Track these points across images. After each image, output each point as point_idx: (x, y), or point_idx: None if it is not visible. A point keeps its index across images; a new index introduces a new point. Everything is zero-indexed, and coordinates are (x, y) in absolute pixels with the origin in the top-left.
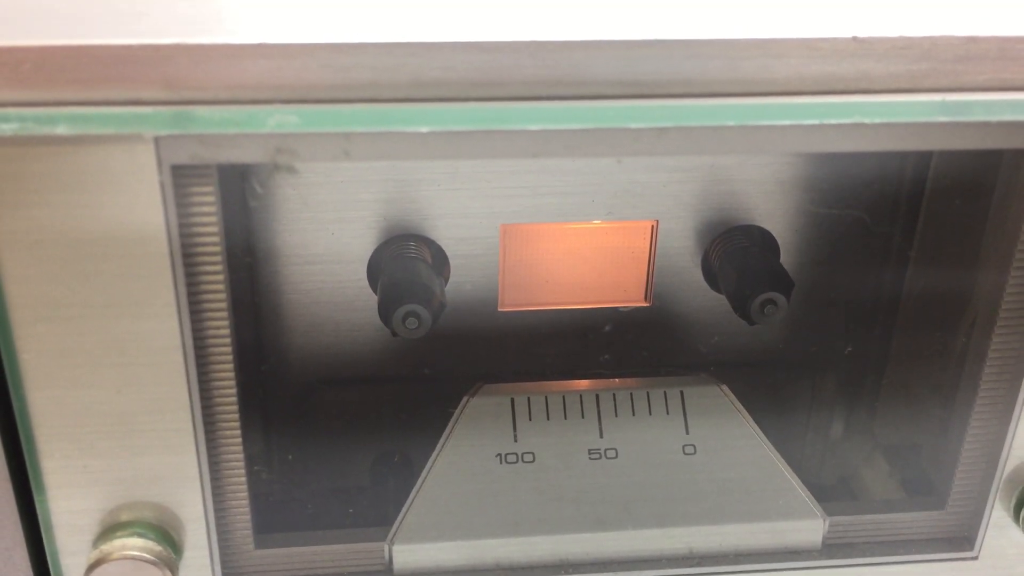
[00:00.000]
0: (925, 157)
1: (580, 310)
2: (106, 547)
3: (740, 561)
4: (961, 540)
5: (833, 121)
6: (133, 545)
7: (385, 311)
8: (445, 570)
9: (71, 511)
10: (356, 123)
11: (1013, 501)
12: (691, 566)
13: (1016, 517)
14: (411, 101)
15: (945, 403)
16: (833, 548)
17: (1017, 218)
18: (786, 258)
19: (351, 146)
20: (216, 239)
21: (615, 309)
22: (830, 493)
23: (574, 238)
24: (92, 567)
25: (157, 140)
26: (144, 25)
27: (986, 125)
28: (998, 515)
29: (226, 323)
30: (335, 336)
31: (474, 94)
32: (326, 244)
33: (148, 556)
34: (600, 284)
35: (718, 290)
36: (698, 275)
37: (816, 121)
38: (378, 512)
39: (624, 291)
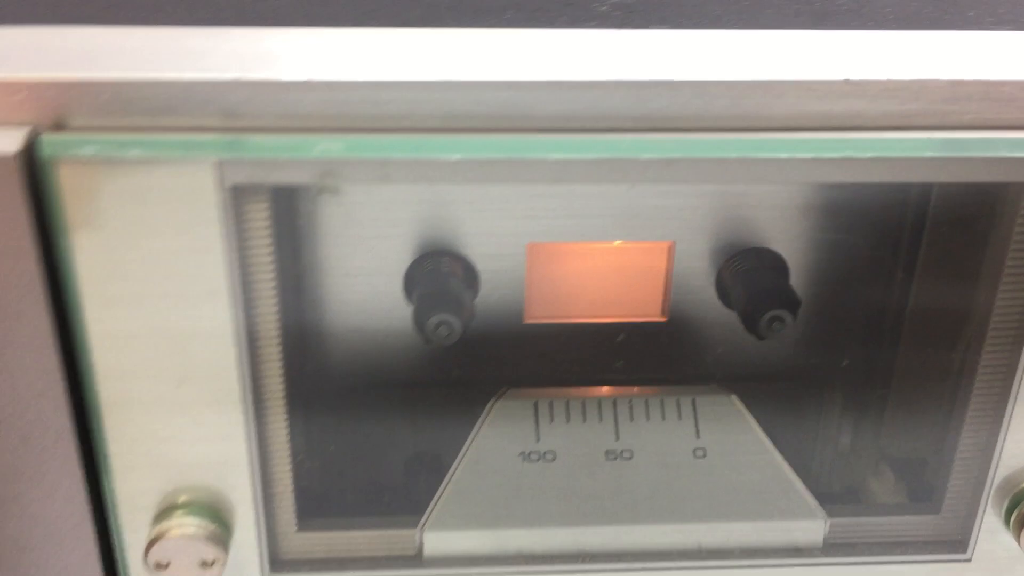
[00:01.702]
0: (927, 187)
1: (600, 323)
2: (164, 525)
3: (745, 557)
4: (955, 543)
5: (827, 156)
6: (189, 523)
7: (419, 320)
8: (471, 557)
9: (133, 492)
10: (394, 151)
11: (1004, 507)
12: (699, 559)
13: (1007, 522)
14: (443, 131)
15: (942, 417)
16: (833, 547)
17: (1003, 247)
18: (796, 278)
19: (389, 171)
20: (269, 252)
21: (633, 323)
22: (838, 501)
23: (596, 257)
24: (152, 543)
25: (218, 164)
26: (207, 62)
27: (971, 160)
28: (990, 520)
29: (276, 328)
30: (373, 342)
31: (501, 126)
32: (366, 258)
33: (202, 534)
34: (619, 300)
35: (730, 307)
36: (712, 292)
37: (811, 155)
38: (410, 503)
39: (642, 306)
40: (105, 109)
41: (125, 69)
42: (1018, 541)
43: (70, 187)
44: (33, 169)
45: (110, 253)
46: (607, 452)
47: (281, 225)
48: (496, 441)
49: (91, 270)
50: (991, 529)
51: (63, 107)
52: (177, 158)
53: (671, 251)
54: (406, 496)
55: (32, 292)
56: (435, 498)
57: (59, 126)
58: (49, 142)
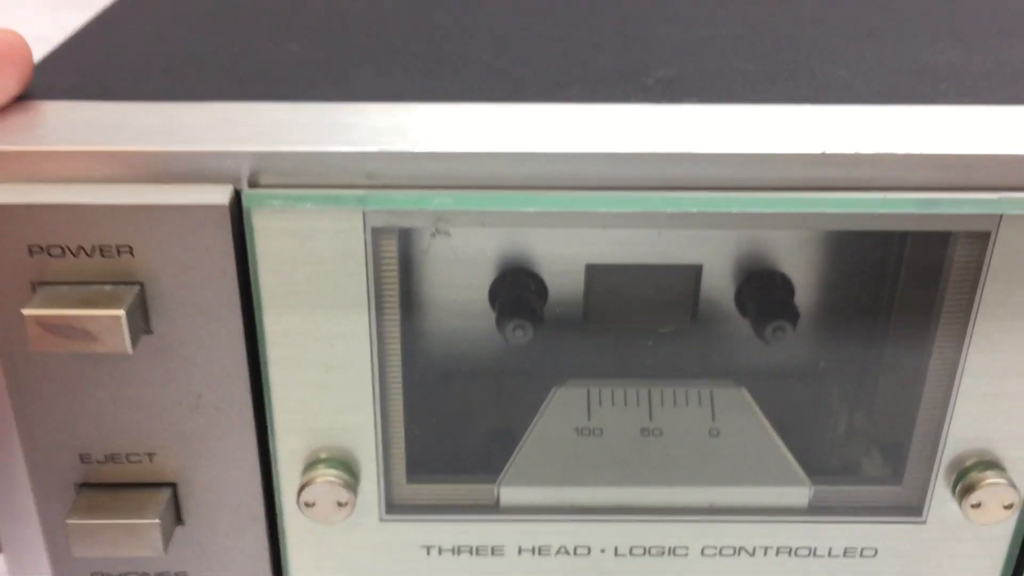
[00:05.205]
0: (902, 235)
1: (641, 328)
2: (311, 474)
3: (746, 514)
4: (913, 509)
5: (808, 210)
6: (329, 473)
7: (500, 324)
8: (536, 506)
9: (290, 449)
10: (489, 204)
11: (951, 481)
12: (711, 514)
13: (953, 493)
14: (526, 189)
15: (907, 409)
16: (816, 508)
17: (947, 279)
18: (800, 295)
19: (485, 219)
20: (395, 274)
21: (669, 326)
22: (823, 473)
23: (641, 274)
24: (302, 487)
25: (363, 212)
26: (354, 135)
27: (917, 215)
28: (941, 491)
29: (397, 329)
30: (466, 340)
31: (566, 185)
32: (462, 275)
33: (339, 482)
34: (657, 309)
35: (745, 317)
36: (731, 305)
37: (796, 210)
38: (491, 464)
39: (674, 315)
40: (286, 172)
41: (299, 143)
42: (961, 508)
43: (260, 228)
44: (237, 214)
45: (285, 275)
46: (642, 429)
47: (404, 254)
48: (557, 418)
49: (271, 286)
50: (942, 498)
51: (257, 170)
52: (335, 208)
53: (699, 271)
54: (488, 459)
55: (230, 302)
56: (509, 461)
57: (253, 184)
58: (248, 196)
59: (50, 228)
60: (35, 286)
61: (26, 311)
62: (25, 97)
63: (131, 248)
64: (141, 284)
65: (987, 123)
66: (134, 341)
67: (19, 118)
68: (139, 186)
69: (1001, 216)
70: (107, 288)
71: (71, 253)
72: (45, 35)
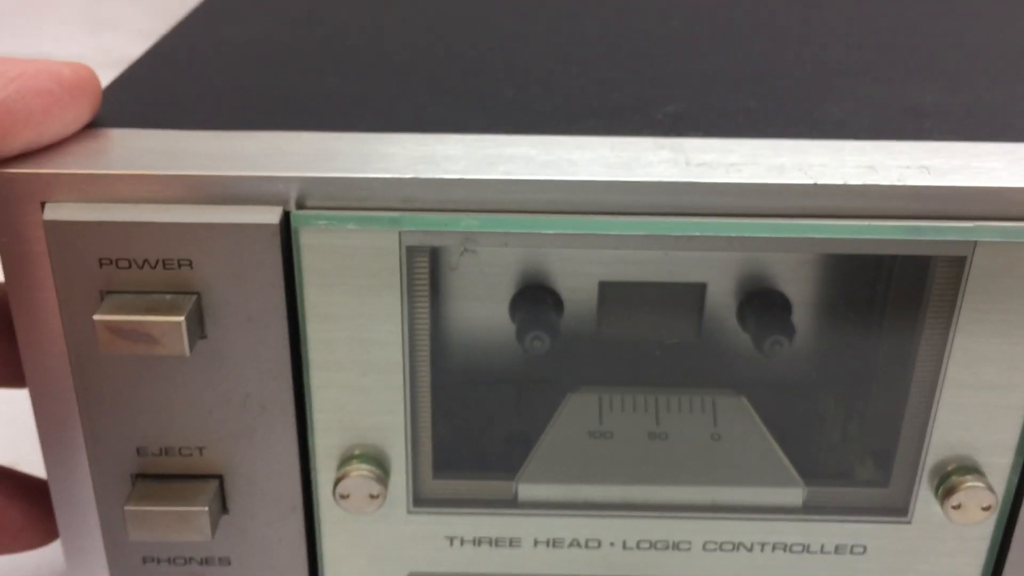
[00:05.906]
0: (890, 259)
1: (649, 340)
2: (346, 468)
3: (745, 512)
4: (899, 510)
5: (800, 236)
6: (363, 468)
7: (520, 335)
8: (551, 502)
9: (327, 445)
10: (511, 227)
11: (934, 484)
12: (713, 512)
13: (936, 495)
14: (544, 213)
15: (894, 418)
16: (810, 508)
17: (927, 298)
18: (797, 313)
19: (508, 239)
20: (426, 288)
21: (675, 339)
22: (818, 476)
23: (650, 291)
24: (338, 480)
25: (399, 232)
26: (392, 163)
27: (899, 240)
28: (925, 494)
29: (427, 338)
30: (488, 350)
31: (581, 210)
32: (485, 290)
33: (371, 476)
34: (664, 323)
35: (745, 331)
36: (732, 320)
37: (789, 235)
38: (510, 463)
39: (680, 328)
40: (330, 195)
41: (342, 169)
42: (943, 509)
43: (306, 245)
44: (285, 233)
45: (328, 287)
46: (649, 433)
47: (434, 270)
48: (571, 422)
49: (314, 297)
50: (925, 500)
51: (304, 193)
52: (374, 228)
53: (703, 289)
54: (507, 458)
55: (277, 311)
56: (527, 460)
57: (300, 205)
58: (296, 216)
59: (119, 243)
60: (103, 295)
61: (97, 316)
62: (94, 124)
63: (190, 262)
64: (198, 294)
65: (964, 158)
66: (191, 345)
67: (91, 144)
68: (198, 206)
69: (976, 242)
70: (168, 297)
71: (137, 265)
72: (84, 54)
